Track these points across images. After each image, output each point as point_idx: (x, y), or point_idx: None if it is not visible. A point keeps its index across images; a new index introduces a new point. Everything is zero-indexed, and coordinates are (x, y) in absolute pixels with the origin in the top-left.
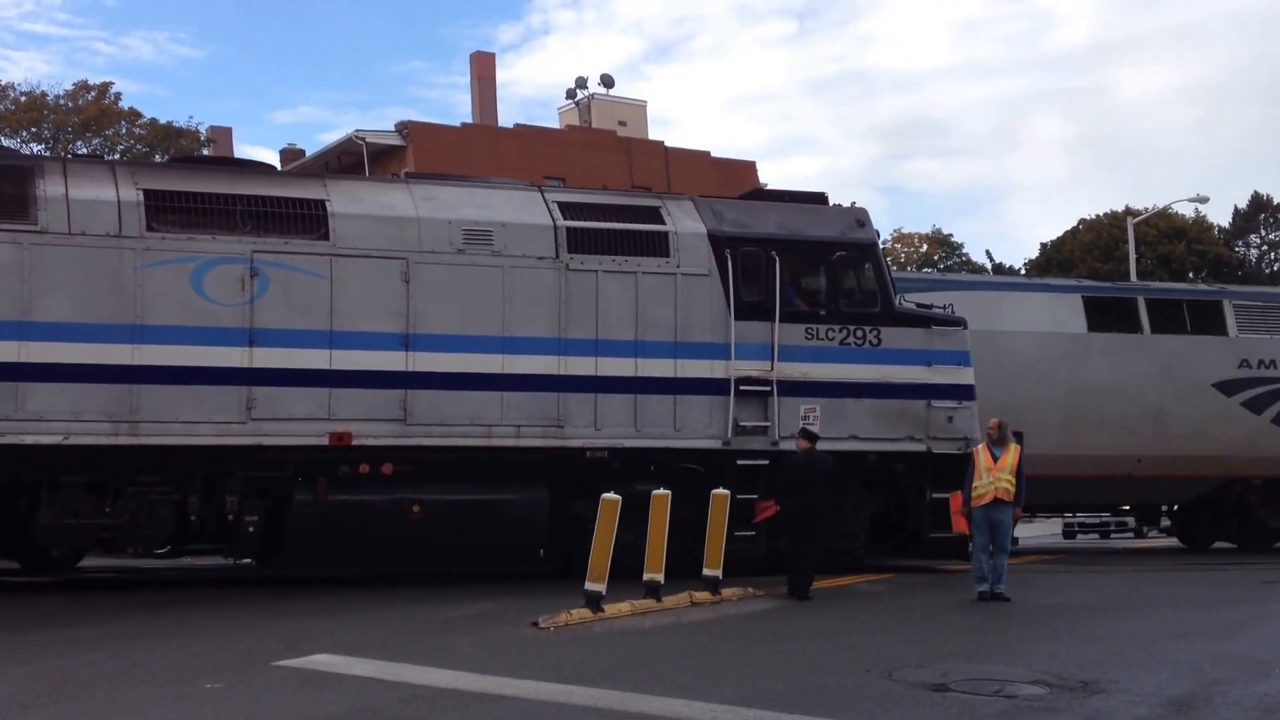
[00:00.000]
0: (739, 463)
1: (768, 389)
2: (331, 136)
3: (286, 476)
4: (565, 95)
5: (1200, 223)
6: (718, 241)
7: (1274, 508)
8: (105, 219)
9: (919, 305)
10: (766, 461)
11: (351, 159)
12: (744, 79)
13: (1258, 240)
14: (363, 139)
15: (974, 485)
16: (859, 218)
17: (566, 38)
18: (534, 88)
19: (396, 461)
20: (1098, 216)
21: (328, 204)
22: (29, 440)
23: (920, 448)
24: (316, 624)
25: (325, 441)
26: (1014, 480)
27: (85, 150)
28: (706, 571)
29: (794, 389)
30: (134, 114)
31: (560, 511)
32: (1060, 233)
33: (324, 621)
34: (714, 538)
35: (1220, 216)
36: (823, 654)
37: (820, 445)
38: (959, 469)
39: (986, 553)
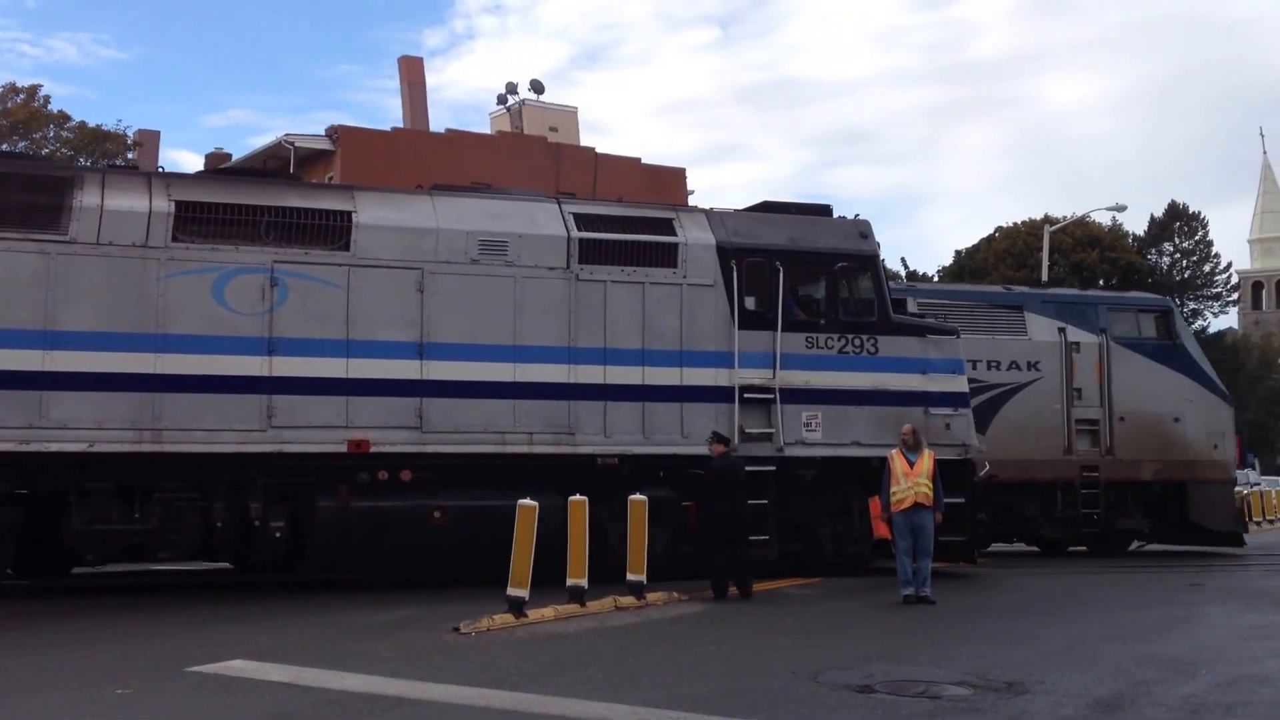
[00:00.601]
0: (746, 469)
1: (771, 397)
2: (261, 140)
3: (308, 483)
4: (496, 101)
5: (1116, 231)
6: (724, 252)
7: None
8: (134, 229)
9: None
10: (773, 468)
11: (279, 163)
12: (672, 85)
13: (1171, 249)
14: (291, 143)
15: (893, 491)
16: (862, 230)
17: (492, 43)
18: (466, 92)
19: (414, 468)
20: (1015, 224)
21: (354, 215)
22: (53, 448)
23: None
24: (234, 629)
25: (344, 449)
26: (931, 485)
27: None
28: (630, 576)
29: (796, 396)
30: (63, 117)
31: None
32: (976, 240)
33: (241, 627)
34: (635, 543)
35: (1137, 225)
36: (748, 657)
37: (823, 452)
38: (960, 475)
39: (910, 557)
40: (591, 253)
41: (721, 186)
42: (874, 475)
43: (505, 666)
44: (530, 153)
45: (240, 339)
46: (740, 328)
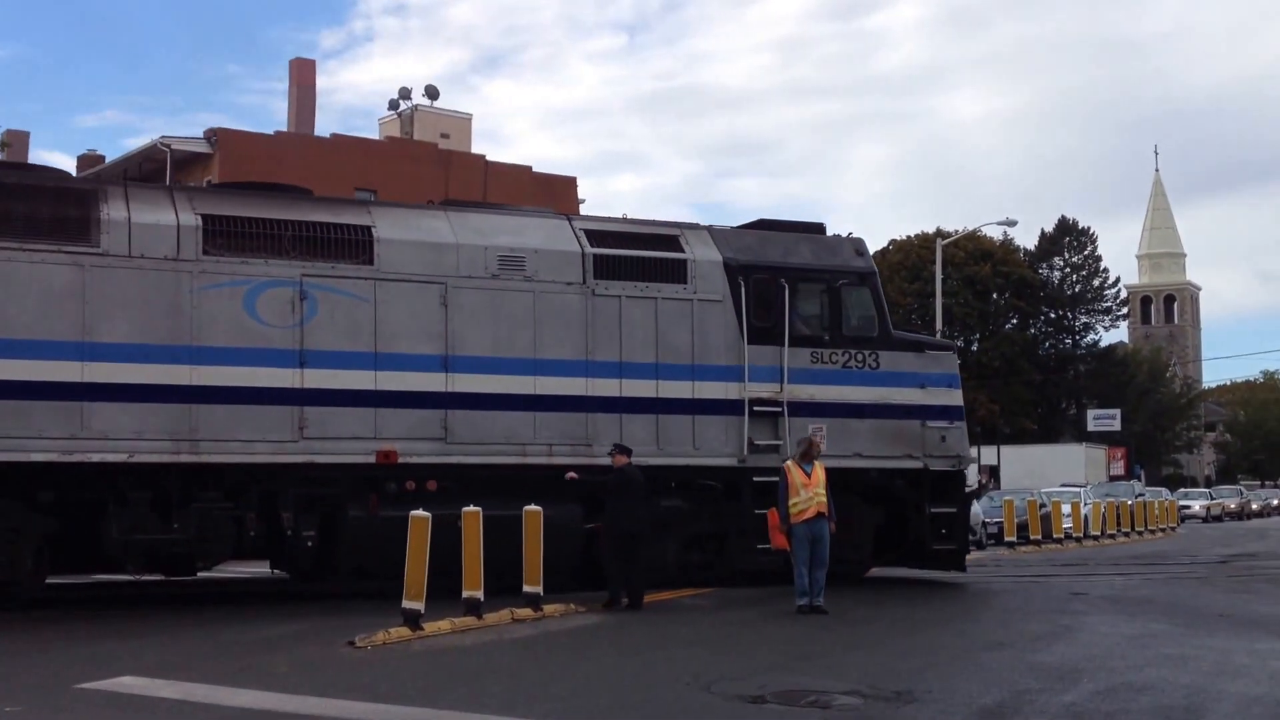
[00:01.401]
0: (755, 479)
1: (778, 409)
2: (136, 142)
3: (338, 493)
4: (388, 106)
5: (1007, 245)
6: (731, 269)
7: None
8: (164, 242)
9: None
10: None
11: (154, 166)
12: (572, 93)
13: (1061, 263)
14: (168, 146)
15: (792, 501)
16: (858, 247)
17: (392, 45)
18: (360, 96)
19: (439, 479)
20: (908, 237)
21: (374, 229)
22: (95, 458)
23: (918, 465)
24: (126, 645)
25: (373, 459)
26: (826, 494)
27: None
28: (526, 588)
29: (801, 409)
30: None
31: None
32: (870, 252)
33: (134, 643)
34: (531, 554)
35: (1029, 240)
36: (644, 668)
37: (828, 463)
38: (954, 486)
39: (808, 567)
40: (605, 268)
41: (613, 195)
42: (872, 486)
43: (402, 681)
44: (418, 159)
45: (272, 351)
46: (749, 342)
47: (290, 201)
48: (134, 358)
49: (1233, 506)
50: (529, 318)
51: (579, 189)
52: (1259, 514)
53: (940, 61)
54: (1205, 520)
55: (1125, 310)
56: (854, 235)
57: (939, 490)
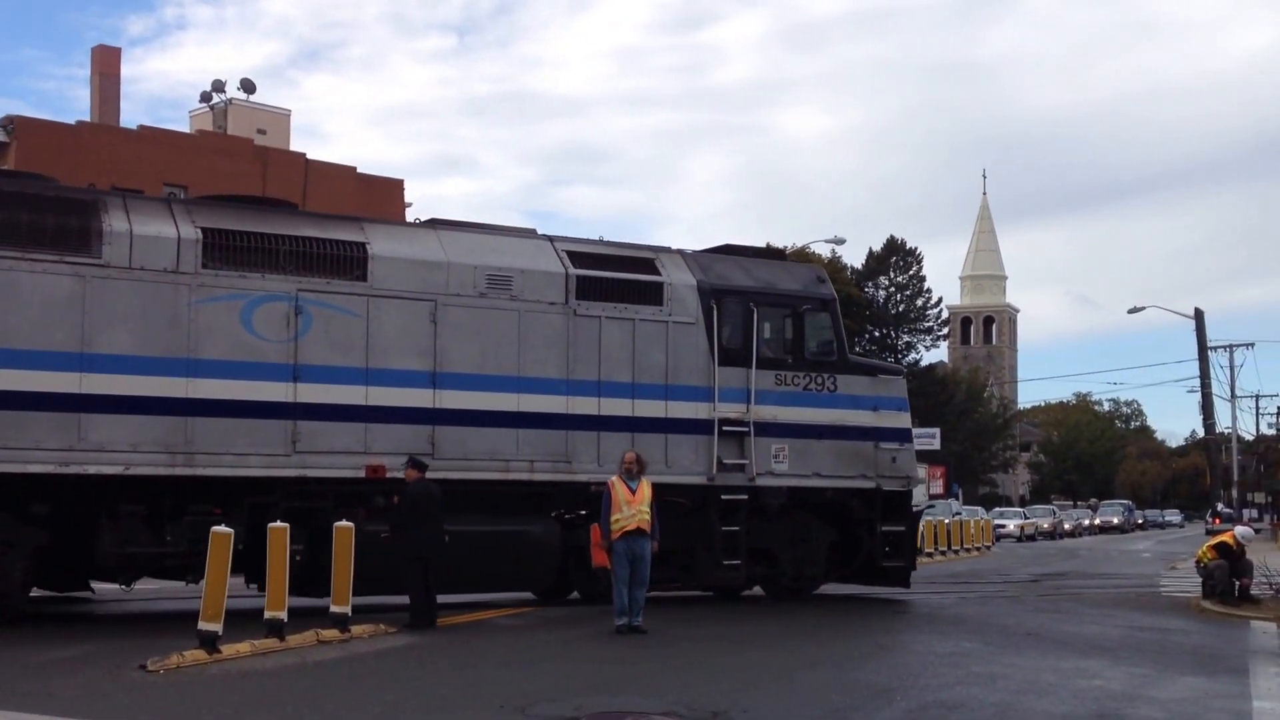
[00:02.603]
0: (722, 497)
1: (745, 429)
2: None
3: (327, 507)
4: (200, 98)
5: (835, 263)
6: (704, 292)
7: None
8: (164, 255)
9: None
10: (745, 496)
11: None
12: (399, 92)
13: (886, 282)
14: None
15: (614, 518)
16: (819, 275)
17: (204, 35)
18: (167, 86)
19: None
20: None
21: (368, 246)
22: (91, 470)
23: (871, 484)
24: None
25: (362, 474)
26: (650, 513)
27: None
28: (334, 608)
29: (766, 430)
30: None
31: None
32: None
33: None
34: (340, 572)
35: (857, 258)
36: (456, 690)
37: (790, 482)
38: (904, 505)
39: (627, 585)
40: (586, 289)
41: (442, 199)
42: (827, 505)
43: (196, 707)
44: (234, 155)
45: (267, 365)
46: (719, 364)
47: (286, 216)
48: (132, 370)
49: (1046, 526)
50: (514, 336)
51: (406, 192)
52: (1070, 534)
53: (778, 77)
54: (1019, 539)
55: (946, 330)
56: (812, 263)
57: (889, 509)
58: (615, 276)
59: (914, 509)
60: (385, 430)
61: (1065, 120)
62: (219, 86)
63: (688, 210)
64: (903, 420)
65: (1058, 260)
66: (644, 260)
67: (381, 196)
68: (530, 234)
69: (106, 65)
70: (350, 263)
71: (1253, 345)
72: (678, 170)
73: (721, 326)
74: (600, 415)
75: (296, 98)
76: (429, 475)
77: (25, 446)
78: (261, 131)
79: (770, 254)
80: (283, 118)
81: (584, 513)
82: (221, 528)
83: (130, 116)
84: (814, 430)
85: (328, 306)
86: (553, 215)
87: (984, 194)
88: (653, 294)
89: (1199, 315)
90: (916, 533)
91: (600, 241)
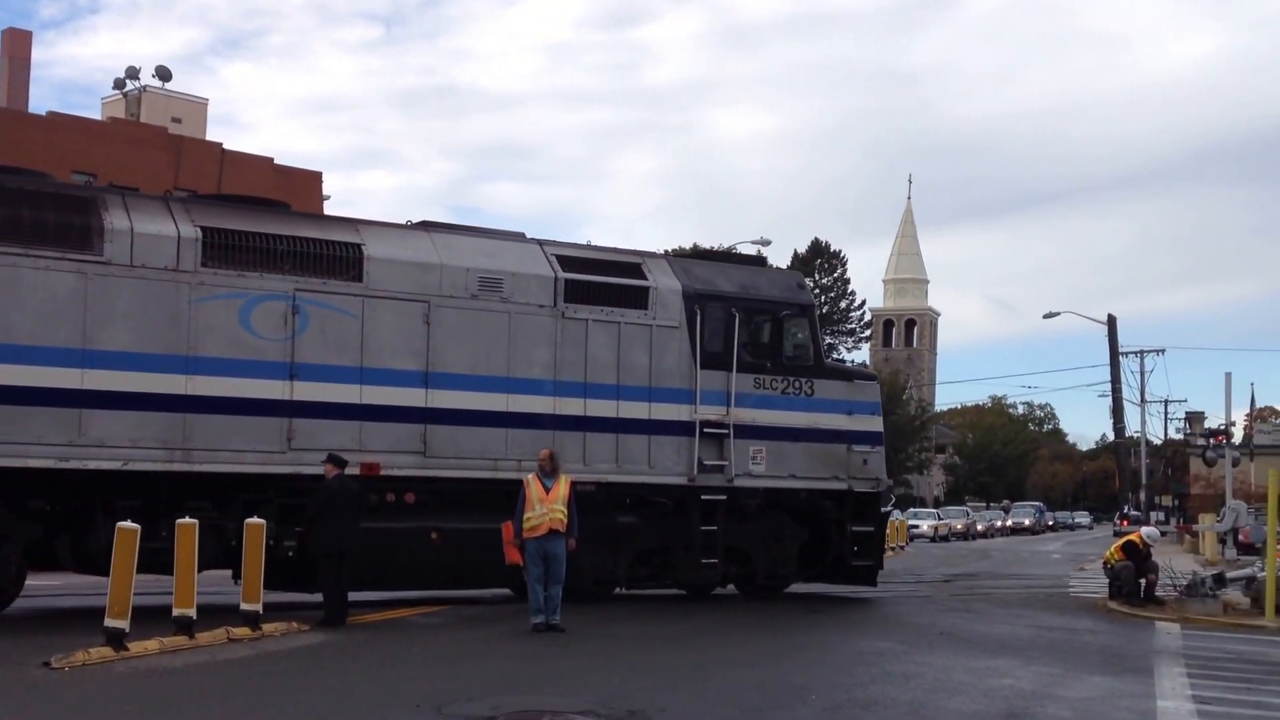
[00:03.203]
0: (702, 497)
1: (725, 431)
2: None
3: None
4: (114, 85)
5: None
6: (688, 297)
7: None
8: (165, 253)
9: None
10: (724, 497)
11: None
12: (320, 83)
13: (811, 284)
14: None
15: (526, 516)
16: (799, 281)
17: (119, 19)
18: (80, 72)
19: (416, 491)
20: (665, 252)
21: (364, 248)
22: (91, 465)
23: (843, 486)
24: None
25: (357, 471)
26: (566, 511)
27: None
28: (244, 606)
29: (744, 432)
30: None
31: None
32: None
33: None
34: (251, 569)
35: (782, 260)
36: (370, 689)
37: (766, 483)
38: (873, 506)
39: (542, 584)
40: (574, 292)
41: (362, 193)
42: (801, 506)
43: (102, 705)
44: (146, 144)
45: (264, 363)
46: (701, 367)
47: (282, 217)
48: (133, 366)
49: (959, 527)
50: (504, 338)
51: (325, 184)
52: (984, 534)
53: (710, 77)
54: (933, 540)
55: (869, 332)
56: (793, 269)
57: (859, 510)
58: (602, 280)
59: (883, 510)
60: (379, 429)
61: (993, 128)
62: (133, 73)
63: (617, 209)
64: (875, 424)
65: (979, 265)
66: (630, 265)
67: (299, 188)
68: (520, 238)
69: (16, 49)
70: (346, 263)
71: (1163, 351)
72: (607, 169)
73: (704, 330)
74: (586, 416)
75: (214, 86)
76: (347, 471)
77: (26, 441)
78: (176, 120)
79: (751, 260)
80: (199, 106)
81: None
82: (127, 523)
83: (40, 102)
84: (790, 433)
85: (324, 306)
86: (477, 211)
87: (909, 199)
88: (638, 298)
89: (1112, 321)
90: (884, 533)
91: (588, 246)
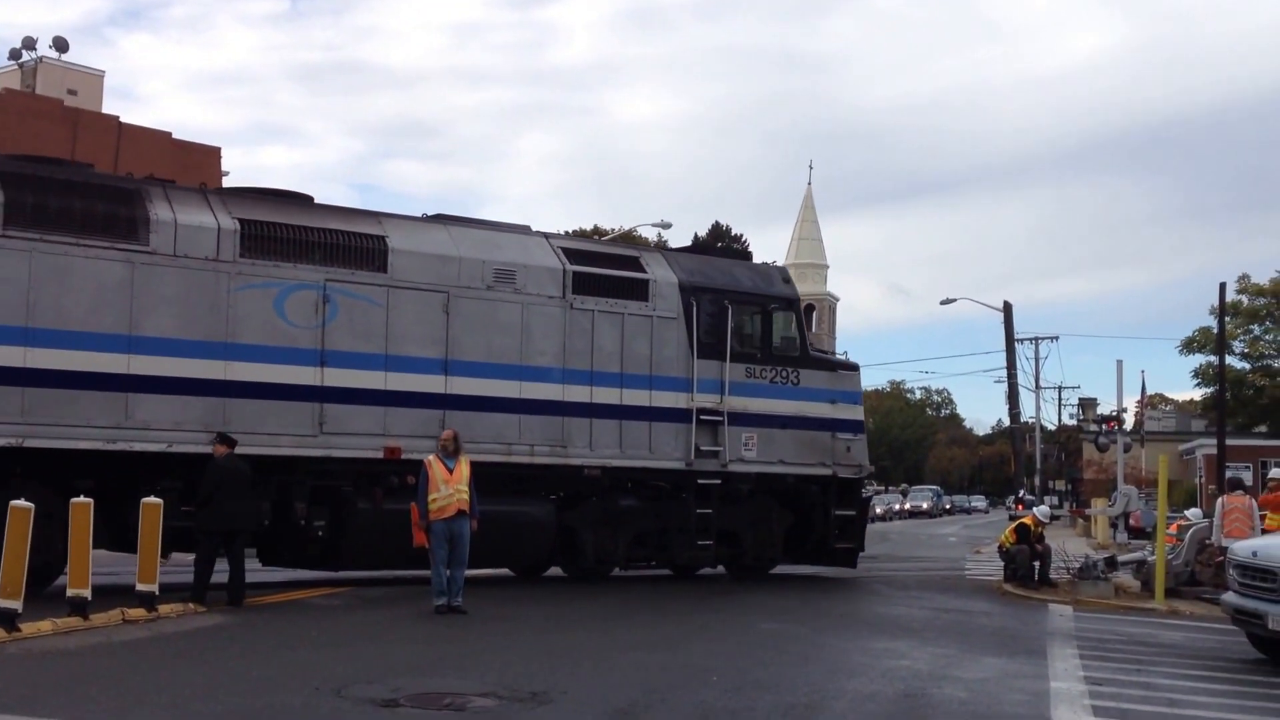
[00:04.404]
0: (698, 481)
1: (719, 419)
2: None
3: (347, 486)
4: (9, 55)
5: (660, 248)
6: (685, 290)
7: None
8: (206, 244)
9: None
10: (719, 481)
11: None
12: (222, 56)
13: None
14: None
15: (432, 498)
16: (784, 275)
17: None
18: None
19: None
20: (565, 233)
21: (388, 239)
22: (137, 447)
23: (827, 472)
24: None
25: (381, 455)
26: (469, 491)
27: None
28: (140, 586)
29: (737, 419)
30: None
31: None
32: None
33: None
34: (147, 549)
35: (682, 242)
36: (269, 672)
37: (757, 468)
38: (855, 492)
39: (445, 566)
40: (582, 285)
41: (261, 168)
42: (788, 491)
43: None
44: (42, 116)
45: (297, 350)
46: (697, 357)
47: (309, 209)
48: (176, 352)
49: None
50: (517, 327)
51: (224, 160)
52: (882, 518)
53: (616, 59)
54: None
55: None
56: (777, 264)
57: (842, 495)
58: (607, 273)
59: (865, 496)
60: (402, 414)
61: (895, 116)
62: (29, 44)
63: (518, 189)
64: (857, 413)
65: (878, 252)
66: (630, 258)
67: (197, 163)
68: (526, 230)
69: None
70: (372, 254)
71: (1058, 338)
72: (510, 148)
73: (700, 322)
74: (592, 403)
75: (113, 58)
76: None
77: (76, 424)
78: (72, 92)
79: (739, 255)
80: (96, 78)
81: (567, 494)
82: (21, 502)
83: None
84: (779, 420)
85: (352, 295)
86: (377, 189)
87: (809, 184)
88: (640, 290)
89: (1007, 308)
90: (866, 517)
91: (590, 240)
